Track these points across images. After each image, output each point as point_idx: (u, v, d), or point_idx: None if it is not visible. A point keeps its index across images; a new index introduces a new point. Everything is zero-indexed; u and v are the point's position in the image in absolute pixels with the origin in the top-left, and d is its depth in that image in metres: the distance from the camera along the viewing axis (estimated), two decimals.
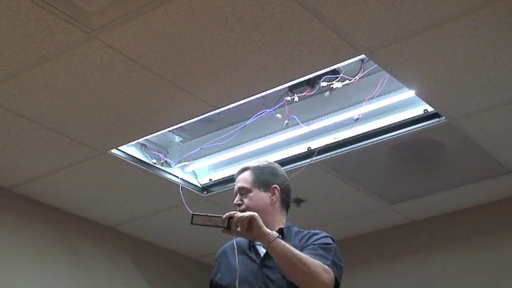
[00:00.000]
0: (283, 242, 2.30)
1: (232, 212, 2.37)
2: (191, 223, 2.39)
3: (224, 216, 2.35)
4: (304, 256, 2.29)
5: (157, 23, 2.68)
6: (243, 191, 2.54)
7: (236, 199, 2.55)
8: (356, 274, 4.20)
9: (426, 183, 3.96)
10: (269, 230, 2.32)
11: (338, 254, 2.41)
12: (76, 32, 2.71)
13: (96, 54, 2.85)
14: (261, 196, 2.53)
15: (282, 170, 2.66)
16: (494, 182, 3.91)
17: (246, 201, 2.51)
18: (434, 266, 4.24)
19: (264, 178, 2.56)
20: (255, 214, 2.34)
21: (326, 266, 2.30)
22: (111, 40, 2.77)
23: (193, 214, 2.39)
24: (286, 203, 2.60)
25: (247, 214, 2.34)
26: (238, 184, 2.57)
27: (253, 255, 2.47)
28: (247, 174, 2.58)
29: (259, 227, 2.31)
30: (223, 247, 2.59)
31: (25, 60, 2.88)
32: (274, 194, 2.55)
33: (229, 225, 2.34)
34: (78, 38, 2.75)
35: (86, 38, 2.76)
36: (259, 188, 2.54)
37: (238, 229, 2.33)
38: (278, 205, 2.56)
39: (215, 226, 2.37)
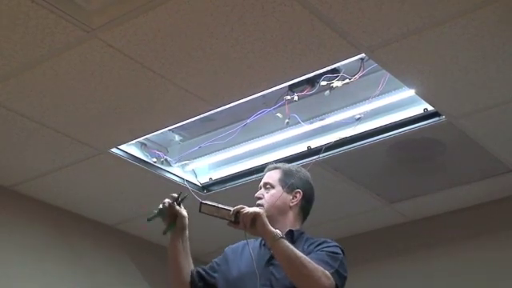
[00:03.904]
0: (287, 243, 2.30)
1: (239, 206, 2.38)
2: (199, 211, 2.40)
3: (232, 210, 2.36)
4: (307, 259, 2.28)
5: (157, 22, 2.68)
6: (267, 186, 2.58)
7: (258, 192, 2.59)
8: (355, 273, 4.13)
9: (425, 182, 3.96)
10: (273, 229, 2.32)
11: (344, 264, 2.40)
12: (76, 31, 2.71)
13: (96, 53, 2.85)
14: (282, 196, 2.56)
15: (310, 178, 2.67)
16: (494, 180, 3.91)
17: (266, 196, 2.55)
18: (433, 265, 4.24)
19: (290, 180, 2.58)
20: (260, 211, 2.36)
21: (327, 273, 2.28)
22: (111, 39, 2.77)
23: (201, 202, 2.39)
24: (305, 210, 2.62)
25: (252, 210, 2.36)
26: (265, 179, 2.62)
27: (262, 253, 2.49)
28: (276, 172, 2.62)
29: (263, 225, 2.32)
30: (236, 244, 2.60)
31: (25, 59, 2.88)
32: (295, 197, 2.58)
33: (236, 219, 2.35)
34: (78, 37, 2.74)
35: (86, 37, 2.75)
36: (283, 187, 2.57)
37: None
38: (296, 209, 2.59)
39: (222, 218, 2.38)
